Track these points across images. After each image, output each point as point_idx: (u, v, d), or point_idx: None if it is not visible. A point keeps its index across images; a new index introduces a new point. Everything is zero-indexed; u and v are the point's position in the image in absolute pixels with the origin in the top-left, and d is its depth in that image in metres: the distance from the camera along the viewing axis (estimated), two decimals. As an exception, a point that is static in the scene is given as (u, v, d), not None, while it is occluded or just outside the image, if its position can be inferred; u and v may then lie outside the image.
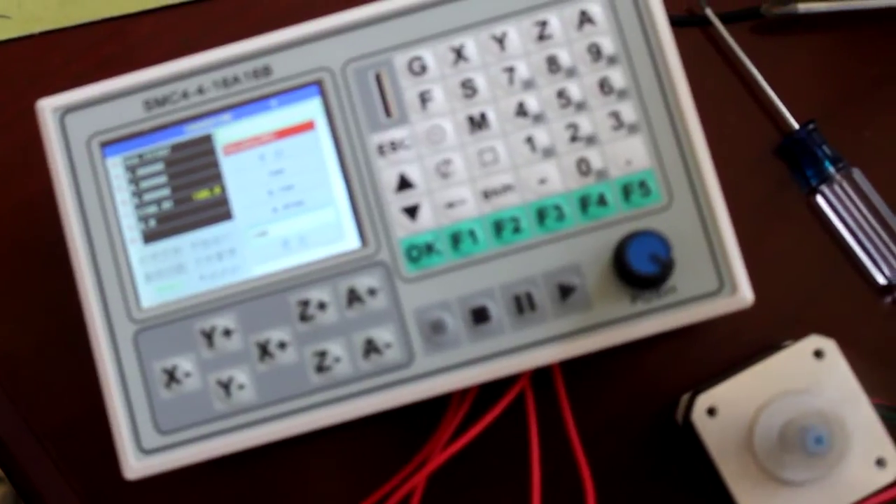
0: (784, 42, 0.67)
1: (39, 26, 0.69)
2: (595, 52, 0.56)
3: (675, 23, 0.61)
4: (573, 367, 0.58)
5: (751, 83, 0.65)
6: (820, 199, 0.64)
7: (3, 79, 0.68)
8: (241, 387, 0.55)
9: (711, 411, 0.56)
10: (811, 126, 0.63)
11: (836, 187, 0.63)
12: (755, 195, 0.64)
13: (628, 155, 0.55)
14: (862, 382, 0.56)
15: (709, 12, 0.66)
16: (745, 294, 0.54)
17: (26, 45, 0.69)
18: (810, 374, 0.56)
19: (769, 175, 0.65)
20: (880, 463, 0.55)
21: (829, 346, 0.56)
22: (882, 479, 0.55)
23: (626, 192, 0.55)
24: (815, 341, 0.56)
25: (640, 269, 0.52)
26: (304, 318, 0.55)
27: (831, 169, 0.63)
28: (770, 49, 0.66)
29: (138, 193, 0.56)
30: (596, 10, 0.56)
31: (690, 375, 0.62)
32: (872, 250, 0.63)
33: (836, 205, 0.63)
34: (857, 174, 0.63)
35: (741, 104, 0.66)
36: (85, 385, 0.59)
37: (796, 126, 0.64)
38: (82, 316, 0.55)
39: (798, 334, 0.58)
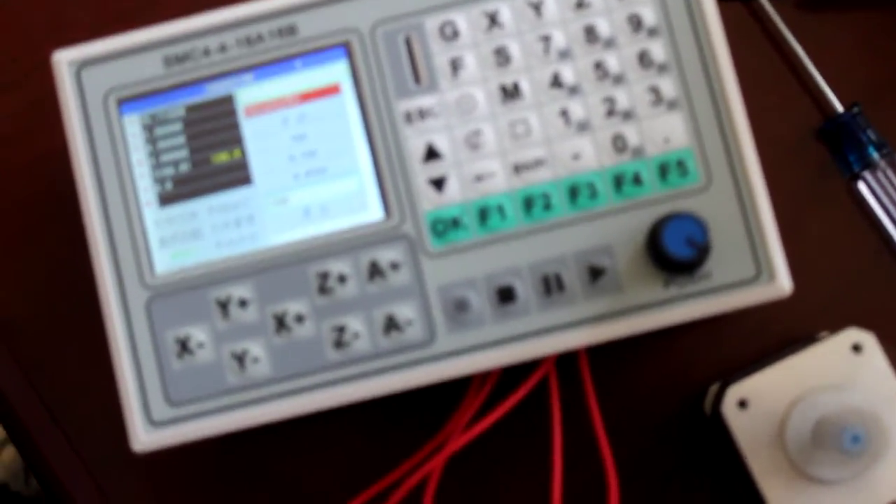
0: (831, 20, 0.65)
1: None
2: (635, 22, 0.54)
3: (719, -4, 0.59)
4: (599, 351, 0.56)
5: (794, 62, 0.63)
6: (862, 186, 0.62)
7: (19, 29, 0.67)
8: (255, 360, 0.53)
9: (742, 403, 0.54)
10: (855, 109, 0.62)
11: (880, 174, 0.61)
12: (795, 179, 0.63)
13: (667, 132, 0.53)
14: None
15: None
16: (783, 283, 0.52)
17: (42, -2, 0.67)
18: (847, 369, 0.54)
19: (810, 159, 0.63)
20: (918, 462, 0.54)
21: (867, 340, 0.54)
22: (920, 478, 0.54)
23: (663, 171, 0.53)
24: (853, 335, 0.55)
25: (675, 252, 0.50)
26: (323, 290, 0.53)
27: (875, 155, 0.61)
28: (816, 27, 0.64)
29: (155, 154, 0.54)
30: (637, -21, 0.54)
31: (720, 365, 0.61)
32: (915, 240, 0.61)
33: (878, 192, 0.62)
34: (902, 161, 0.62)
35: (784, 84, 0.64)
36: (95, 351, 0.58)
37: (840, 109, 0.62)
38: (94, 279, 0.54)
39: (835, 326, 0.56)
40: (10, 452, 1.11)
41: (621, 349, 0.58)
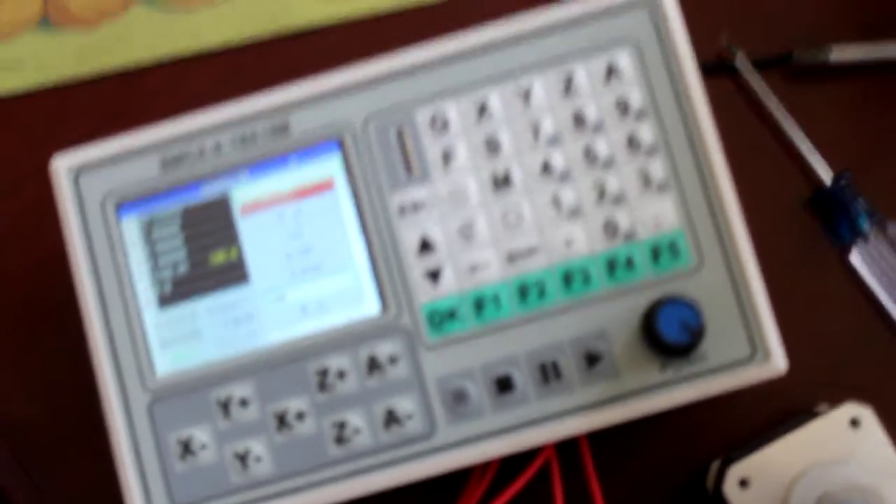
0: (816, 91, 0.65)
1: (55, 74, 0.68)
2: (623, 106, 0.55)
3: (705, 70, 0.59)
4: (599, 434, 0.56)
5: (782, 133, 0.64)
6: (854, 256, 0.62)
7: (17, 131, 0.67)
8: (258, 459, 0.53)
9: (744, 482, 0.54)
10: (844, 179, 0.62)
11: (871, 243, 0.61)
12: (786, 251, 0.63)
13: (657, 215, 0.54)
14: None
15: (739, 61, 0.64)
16: (778, 362, 0.52)
17: (40, 98, 0.68)
18: (846, 444, 0.54)
19: (801, 230, 0.63)
20: (921, 536, 0.54)
21: (865, 414, 0.55)
22: (922, 552, 0.54)
23: (655, 254, 0.53)
24: (850, 409, 0.55)
25: (670, 337, 0.51)
26: (322, 387, 0.53)
27: (865, 224, 0.61)
28: (802, 98, 0.65)
29: (154, 255, 0.55)
30: (624, 62, 0.55)
31: (720, 441, 0.61)
32: (909, 309, 0.61)
33: (869, 261, 0.61)
34: (893, 229, 0.62)
35: (772, 155, 0.64)
36: (99, 453, 0.58)
37: (829, 179, 0.62)
38: (95, 382, 0.54)
39: (833, 398, 0.56)
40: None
41: (621, 431, 0.57)
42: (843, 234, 0.62)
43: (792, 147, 0.64)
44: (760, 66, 0.65)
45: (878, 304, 0.62)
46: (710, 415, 0.61)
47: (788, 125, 0.64)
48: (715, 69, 0.65)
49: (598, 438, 0.57)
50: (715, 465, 0.58)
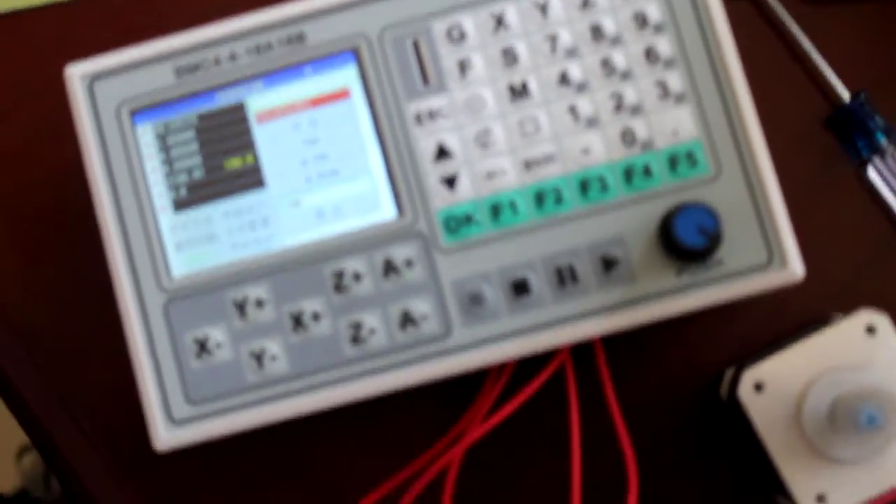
0: (835, 14, 0.65)
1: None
2: (641, 19, 0.54)
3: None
4: (614, 340, 0.57)
5: (800, 53, 0.64)
6: (871, 171, 0.62)
7: (31, 46, 0.67)
8: (273, 358, 0.53)
9: (758, 387, 0.54)
10: (862, 97, 0.62)
11: (888, 159, 0.61)
12: (805, 168, 0.63)
13: (675, 125, 0.54)
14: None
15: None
16: (795, 268, 0.52)
17: (54, 12, 0.67)
18: (862, 350, 0.54)
19: (819, 147, 0.63)
20: (933, 443, 0.53)
21: (881, 321, 0.54)
22: (935, 459, 0.54)
23: (673, 163, 0.53)
24: (867, 316, 0.54)
25: (687, 241, 0.51)
26: (338, 288, 0.53)
27: (883, 140, 0.61)
28: (820, 18, 0.64)
29: (169, 161, 0.55)
30: (641, -23, 0.54)
31: (735, 350, 0.61)
32: (924, 224, 0.61)
33: (887, 176, 0.61)
34: (910, 146, 0.62)
35: (791, 75, 0.64)
36: (115, 356, 0.59)
37: (847, 97, 0.62)
38: (112, 286, 0.54)
39: (847, 308, 0.56)
40: (30, 459, 1.12)
41: (637, 337, 0.58)
42: (861, 150, 0.62)
43: (811, 68, 0.64)
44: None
45: (894, 217, 0.62)
46: (726, 325, 0.61)
47: (807, 46, 0.63)
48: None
49: (614, 346, 0.58)
50: (729, 373, 0.58)
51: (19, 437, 0.76)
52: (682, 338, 0.61)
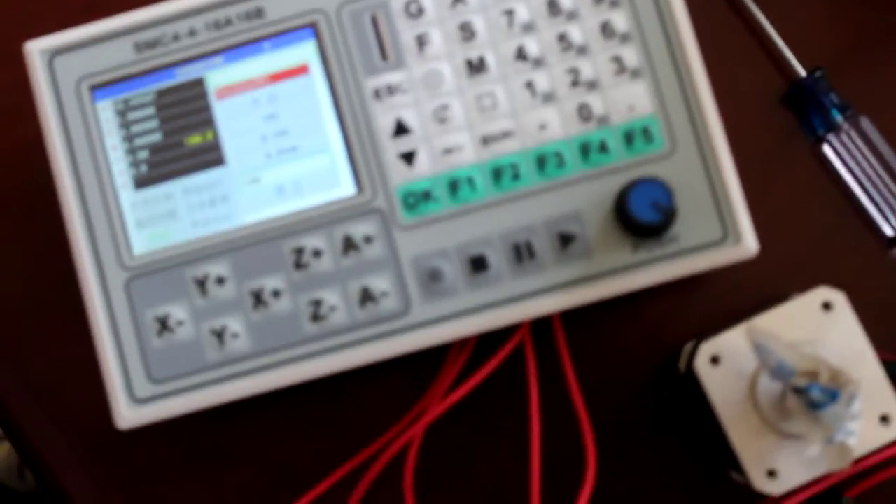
0: (791, -13, 0.65)
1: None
2: (597, -5, 0.55)
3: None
4: (573, 316, 0.57)
5: (757, 30, 0.64)
6: (827, 149, 0.62)
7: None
8: (234, 336, 0.54)
9: (715, 360, 0.55)
10: (818, 73, 0.62)
11: (844, 136, 0.62)
12: (761, 145, 0.63)
13: (631, 100, 0.54)
14: (867, 336, 0.55)
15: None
16: (749, 243, 0.53)
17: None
18: (817, 326, 0.55)
19: (776, 124, 0.63)
20: (884, 420, 0.54)
21: (837, 298, 0.55)
22: (886, 435, 0.54)
23: (629, 138, 0.54)
24: (823, 293, 0.55)
25: (641, 216, 0.51)
26: (298, 265, 0.54)
27: (838, 117, 0.62)
28: (777, -3, 0.65)
29: (129, 138, 0.55)
30: (598, -48, 0.55)
31: (693, 327, 0.61)
32: (880, 201, 0.61)
33: (843, 154, 0.62)
34: (865, 123, 0.62)
35: (747, 52, 0.64)
36: (76, 334, 0.59)
37: (803, 74, 0.62)
38: (73, 263, 0.54)
39: (803, 286, 0.57)
40: (3, 450, 1.12)
41: (595, 313, 0.58)
42: (816, 127, 0.62)
43: (767, 43, 0.64)
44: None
45: (850, 195, 0.62)
46: (684, 302, 0.62)
47: (763, 22, 0.64)
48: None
49: (573, 322, 0.58)
50: (688, 347, 0.58)
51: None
52: (641, 314, 0.62)
